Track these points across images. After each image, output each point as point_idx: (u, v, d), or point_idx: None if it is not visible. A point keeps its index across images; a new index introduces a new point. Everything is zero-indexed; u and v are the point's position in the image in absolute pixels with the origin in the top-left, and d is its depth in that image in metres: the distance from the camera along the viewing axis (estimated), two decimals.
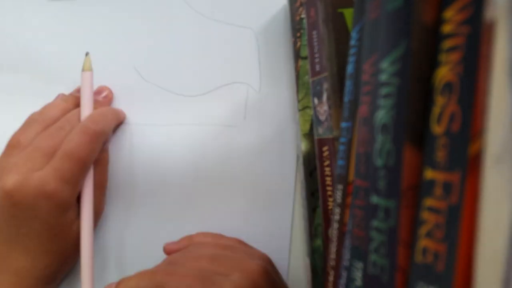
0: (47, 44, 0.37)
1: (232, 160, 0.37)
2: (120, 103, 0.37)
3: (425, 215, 0.17)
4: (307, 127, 0.35)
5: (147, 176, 0.36)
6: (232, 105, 0.38)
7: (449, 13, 0.17)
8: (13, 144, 0.33)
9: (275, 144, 0.37)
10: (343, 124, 0.26)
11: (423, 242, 0.17)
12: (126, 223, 0.36)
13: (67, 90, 0.37)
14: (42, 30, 0.37)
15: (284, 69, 0.39)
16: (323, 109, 0.31)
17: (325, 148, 0.31)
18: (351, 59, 0.25)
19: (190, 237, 0.36)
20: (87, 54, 0.35)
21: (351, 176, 0.24)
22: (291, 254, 0.37)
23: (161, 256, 0.35)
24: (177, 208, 0.37)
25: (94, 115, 0.34)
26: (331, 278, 0.26)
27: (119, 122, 0.36)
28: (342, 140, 0.26)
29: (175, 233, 0.36)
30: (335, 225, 0.26)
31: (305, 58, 0.35)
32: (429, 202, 0.17)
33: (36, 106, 0.36)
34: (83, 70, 0.35)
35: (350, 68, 0.25)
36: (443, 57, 0.17)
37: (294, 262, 0.38)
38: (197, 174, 0.37)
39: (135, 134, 0.37)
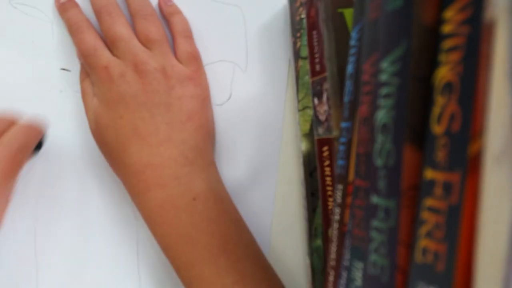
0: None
1: (216, 139, 0.37)
2: None
3: (425, 215, 0.17)
4: (307, 127, 0.35)
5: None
6: (217, 83, 0.38)
7: (449, 13, 0.17)
8: None
9: (262, 129, 0.38)
10: (343, 124, 0.26)
11: (423, 242, 0.17)
12: None
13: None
14: None
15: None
16: (323, 109, 0.31)
17: (325, 148, 0.31)
18: (351, 59, 0.25)
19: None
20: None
21: (351, 176, 0.24)
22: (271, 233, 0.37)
23: None
24: None
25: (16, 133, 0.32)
26: (331, 278, 0.26)
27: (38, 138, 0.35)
28: (342, 140, 0.26)
29: None
30: (335, 225, 0.26)
31: (305, 58, 0.35)
32: (429, 202, 0.17)
33: None
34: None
35: (350, 68, 0.25)
36: (443, 57, 0.17)
37: (294, 262, 0.38)
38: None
39: None
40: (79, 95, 0.37)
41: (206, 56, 0.38)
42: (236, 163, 0.38)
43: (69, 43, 0.37)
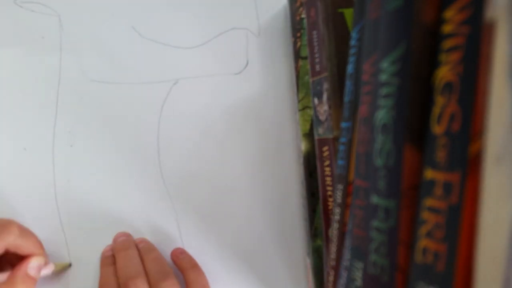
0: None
1: (238, 107, 0.37)
2: (122, 64, 0.37)
3: (425, 215, 0.17)
4: (307, 127, 0.35)
5: (154, 134, 0.37)
6: (232, 52, 0.38)
7: (449, 13, 0.17)
8: None
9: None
10: (343, 124, 0.26)
11: (423, 242, 0.17)
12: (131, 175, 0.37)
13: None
14: None
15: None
16: (323, 109, 0.31)
17: (325, 148, 0.31)
18: (351, 59, 0.25)
19: None
20: (70, 265, 0.36)
21: (351, 176, 0.24)
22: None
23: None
24: (190, 162, 0.37)
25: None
26: (331, 278, 0.26)
27: None
28: (342, 140, 0.26)
29: (192, 190, 0.37)
30: (335, 225, 0.26)
31: (305, 58, 0.35)
32: (429, 202, 0.17)
33: None
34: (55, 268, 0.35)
35: (350, 68, 0.25)
36: (443, 57, 0.17)
37: (294, 262, 0.38)
38: (204, 125, 0.37)
39: (138, 93, 0.37)
40: (98, 84, 0.37)
41: (218, 26, 0.38)
42: (261, 132, 0.38)
43: (80, 33, 0.37)
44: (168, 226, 0.37)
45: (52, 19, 0.37)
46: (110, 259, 0.36)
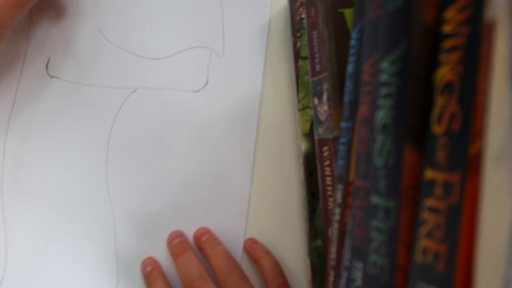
0: None
1: (192, 126, 0.38)
2: (84, 64, 0.38)
3: (425, 215, 0.17)
4: (307, 127, 0.35)
5: (105, 138, 0.37)
6: (194, 69, 0.38)
7: (449, 13, 0.17)
8: None
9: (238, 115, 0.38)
10: (343, 124, 0.26)
11: (423, 242, 0.17)
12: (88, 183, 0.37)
13: None
14: None
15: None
16: (323, 109, 0.31)
17: (325, 148, 0.31)
18: (351, 59, 0.25)
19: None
20: None
21: (351, 176, 0.24)
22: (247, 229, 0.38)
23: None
24: (137, 172, 0.37)
25: None
26: (331, 278, 0.26)
27: None
28: (342, 140, 0.26)
29: (135, 200, 0.37)
30: (335, 225, 0.26)
31: (305, 58, 0.35)
32: (429, 202, 0.17)
33: None
34: None
35: (350, 68, 0.25)
36: (443, 57, 0.17)
37: (294, 262, 0.38)
38: (156, 137, 0.37)
39: (95, 96, 0.37)
40: (58, 81, 0.37)
41: (184, 42, 0.38)
42: (212, 152, 0.38)
43: (48, 28, 0.37)
44: (105, 233, 0.37)
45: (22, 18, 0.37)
46: (155, 273, 0.36)
